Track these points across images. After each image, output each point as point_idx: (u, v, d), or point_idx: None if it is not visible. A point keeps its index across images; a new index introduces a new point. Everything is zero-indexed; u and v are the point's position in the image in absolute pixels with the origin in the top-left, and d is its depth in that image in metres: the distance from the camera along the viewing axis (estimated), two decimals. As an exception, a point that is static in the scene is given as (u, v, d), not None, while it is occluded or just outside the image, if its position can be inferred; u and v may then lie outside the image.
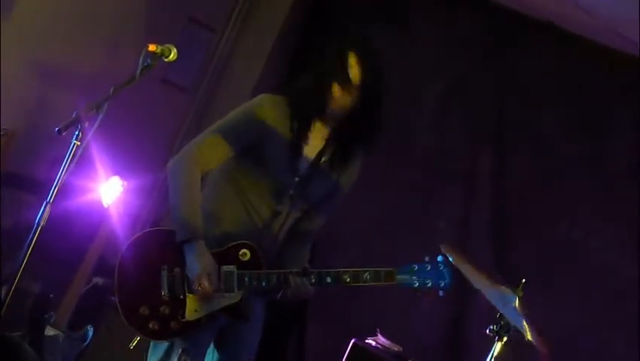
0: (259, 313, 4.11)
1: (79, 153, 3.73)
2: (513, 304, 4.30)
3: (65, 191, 3.82)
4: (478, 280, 4.43)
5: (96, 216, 5.05)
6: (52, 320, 5.61)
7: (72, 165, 3.74)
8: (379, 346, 5.97)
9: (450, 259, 4.37)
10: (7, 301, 3.69)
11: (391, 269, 3.78)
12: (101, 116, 3.77)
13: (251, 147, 3.99)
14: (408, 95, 6.89)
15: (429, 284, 3.56)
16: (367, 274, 3.80)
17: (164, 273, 3.89)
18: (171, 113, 7.11)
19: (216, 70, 7.19)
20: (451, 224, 6.68)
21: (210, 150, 4.01)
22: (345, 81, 3.94)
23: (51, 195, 3.71)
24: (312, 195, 4.06)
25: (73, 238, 5.07)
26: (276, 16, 7.04)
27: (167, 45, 3.93)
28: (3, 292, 3.81)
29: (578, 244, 6.22)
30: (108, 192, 5.00)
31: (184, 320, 3.89)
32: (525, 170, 6.55)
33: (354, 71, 3.96)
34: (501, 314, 4.31)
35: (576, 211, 6.32)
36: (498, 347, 4.28)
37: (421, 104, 6.91)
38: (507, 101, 6.69)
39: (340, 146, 4.06)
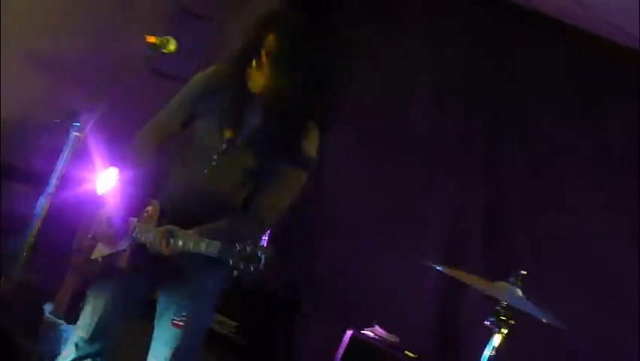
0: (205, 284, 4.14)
1: (79, 144, 3.74)
2: (517, 295, 4.36)
3: (61, 182, 3.84)
4: (479, 284, 4.49)
5: (93, 207, 5.04)
6: (50, 310, 5.62)
7: (71, 157, 3.76)
8: (376, 337, 5.98)
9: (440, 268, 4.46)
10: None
11: (218, 243, 3.70)
12: (101, 106, 3.78)
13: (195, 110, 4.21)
14: (399, 85, 6.91)
15: (243, 265, 3.55)
16: (202, 242, 3.75)
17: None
18: (164, 104, 7.08)
19: (209, 59, 7.18)
20: (444, 214, 6.69)
21: (165, 117, 4.27)
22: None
23: (51, 186, 3.71)
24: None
25: (69, 228, 5.05)
26: (269, 5, 7.01)
27: (166, 37, 3.95)
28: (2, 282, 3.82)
29: (573, 232, 6.23)
30: (105, 182, 5.00)
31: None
32: (518, 159, 6.55)
33: (269, 46, 4.01)
34: (500, 306, 4.36)
35: (571, 200, 6.33)
36: (497, 338, 4.33)
37: (413, 94, 6.91)
38: (499, 91, 6.70)
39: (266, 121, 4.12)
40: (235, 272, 3.52)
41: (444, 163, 6.76)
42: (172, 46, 3.97)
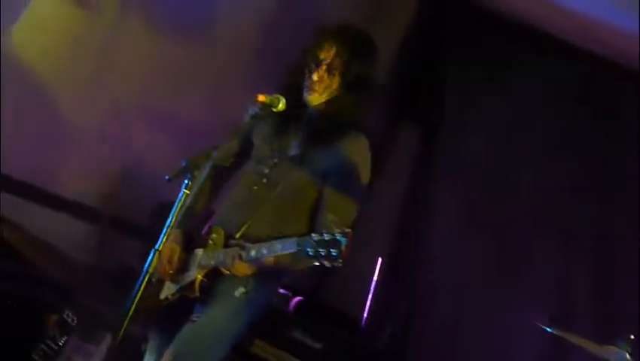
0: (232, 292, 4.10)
1: (188, 201, 3.77)
2: (625, 359, 4.31)
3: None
4: (589, 347, 4.44)
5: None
6: None
7: (181, 213, 3.79)
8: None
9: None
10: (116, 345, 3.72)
11: (295, 239, 3.70)
12: (209, 164, 3.82)
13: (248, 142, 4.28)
14: (508, 145, 6.86)
15: (323, 252, 3.48)
16: (277, 243, 3.78)
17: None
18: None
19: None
20: (553, 275, 6.58)
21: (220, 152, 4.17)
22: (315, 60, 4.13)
23: (160, 243, 3.74)
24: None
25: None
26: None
27: (276, 95, 3.98)
28: (109, 338, 3.85)
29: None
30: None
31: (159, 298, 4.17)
32: (628, 220, 6.43)
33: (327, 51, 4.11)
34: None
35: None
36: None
37: (522, 154, 6.85)
38: (608, 151, 6.60)
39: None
40: (317, 261, 3.53)
41: (553, 223, 6.67)
42: (281, 104, 4.00)
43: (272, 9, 7.01)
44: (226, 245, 4.04)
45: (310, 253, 3.56)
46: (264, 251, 3.82)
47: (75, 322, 5.49)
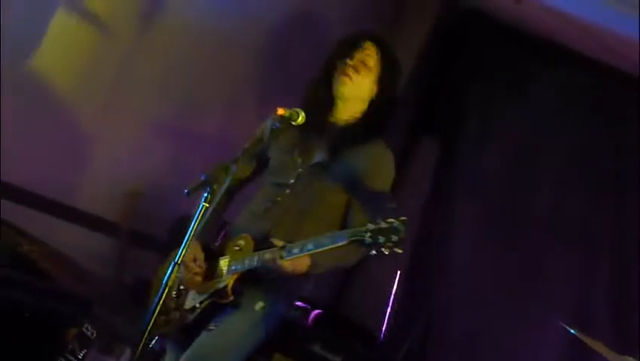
0: (251, 306, 4.10)
1: (207, 214, 3.78)
2: None
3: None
4: (608, 355, 4.43)
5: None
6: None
7: (200, 227, 3.80)
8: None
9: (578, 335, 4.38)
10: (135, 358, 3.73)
11: (347, 230, 3.71)
12: (229, 178, 3.83)
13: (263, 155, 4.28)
14: (528, 160, 6.85)
15: (381, 240, 3.47)
16: (324, 238, 3.76)
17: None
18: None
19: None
20: (571, 288, 6.56)
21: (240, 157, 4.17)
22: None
23: (180, 256, 3.75)
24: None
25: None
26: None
27: (295, 109, 3.99)
28: (129, 351, 3.86)
29: None
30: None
31: (183, 308, 4.16)
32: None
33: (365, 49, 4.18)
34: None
35: None
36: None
37: (541, 170, 6.84)
38: (627, 165, 6.59)
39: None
40: (375, 249, 3.52)
41: (570, 235, 6.65)
42: (301, 118, 4.00)
43: (290, 22, 7.02)
44: (257, 249, 4.04)
45: (367, 242, 3.55)
46: (310, 246, 3.81)
47: (94, 335, 5.49)
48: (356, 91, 4.19)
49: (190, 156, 6.57)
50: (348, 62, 4.16)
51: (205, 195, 3.74)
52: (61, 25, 6.25)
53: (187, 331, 4.17)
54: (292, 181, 4.16)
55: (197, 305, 4.16)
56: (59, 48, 6.31)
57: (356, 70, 4.16)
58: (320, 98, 4.23)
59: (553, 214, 6.71)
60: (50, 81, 6.30)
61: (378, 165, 4.17)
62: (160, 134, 6.69)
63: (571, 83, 6.86)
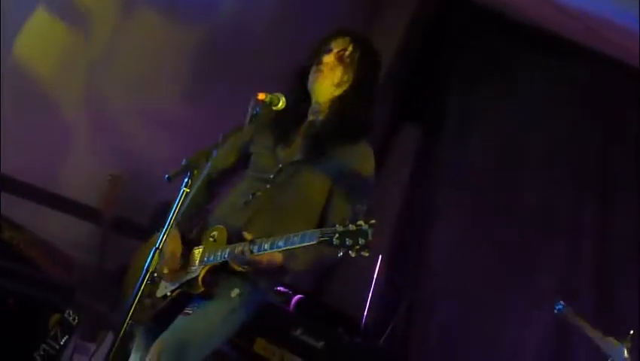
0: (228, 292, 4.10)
1: (187, 200, 3.78)
2: (623, 355, 4.35)
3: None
4: (592, 333, 4.46)
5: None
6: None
7: (181, 212, 3.80)
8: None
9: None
10: (116, 344, 3.73)
11: (316, 230, 3.68)
12: (209, 164, 3.83)
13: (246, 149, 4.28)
14: (511, 150, 6.86)
15: (349, 242, 3.49)
16: (294, 236, 3.75)
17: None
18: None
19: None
20: (554, 278, 6.59)
21: (215, 159, 4.17)
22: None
23: (160, 241, 3.75)
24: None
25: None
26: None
27: (276, 93, 3.99)
28: (110, 336, 3.86)
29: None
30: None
31: (155, 295, 4.15)
32: (628, 224, 6.43)
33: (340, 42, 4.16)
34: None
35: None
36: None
37: (524, 159, 6.85)
38: (611, 155, 6.61)
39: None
40: (342, 251, 3.52)
41: (554, 226, 6.67)
42: (281, 103, 4.00)
43: (272, 10, 7.02)
44: (229, 242, 4.05)
45: (335, 244, 3.56)
46: (280, 243, 3.81)
47: (76, 321, 5.50)
48: (331, 85, 4.16)
49: (171, 142, 6.56)
50: (324, 59, 4.15)
51: (186, 180, 3.75)
52: (40, 15, 6.24)
53: (158, 318, 4.18)
54: (272, 176, 4.16)
55: (168, 293, 4.16)
56: (38, 37, 6.30)
57: (331, 67, 4.14)
58: (298, 97, 4.22)
59: (537, 204, 6.73)
60: (29, 70, 6.30)
61: (362, 163, 4.15)
62: (141, 121, 6.69)
63: (558, 72, 6.87)
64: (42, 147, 6.30)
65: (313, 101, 4.21)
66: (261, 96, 3.96)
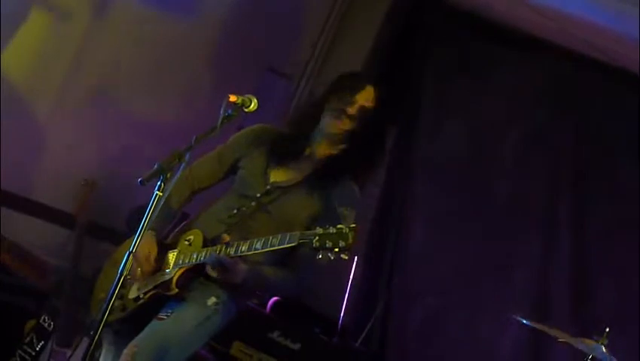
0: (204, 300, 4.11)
1: (161, 203, 3.77)
2: (600, 354, 4.37)
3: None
4: (567, 340, 4.49)
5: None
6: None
7: (154, 216, 3.79)
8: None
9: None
10: (92, 349, 3.71)
11: (296, 232, 3.72)
12: (182, 166, 3.82)
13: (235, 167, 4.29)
14: (486, 141, 6.88)
15: (329, 244, 3.50)
16: (274, 238, 3.78)
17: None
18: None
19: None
20: (531, 271, 6.61)
21: (199, 169, 4.30)
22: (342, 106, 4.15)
23: (134, 246, 3.74)
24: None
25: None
26: (353, 67, 7.05)
27: (248, 95, 3.99)
28: (86, 342, 3.84)
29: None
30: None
31: (127, 297, 4.14)
32: (604, 217, 6.46)
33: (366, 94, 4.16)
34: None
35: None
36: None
37: (499, 153, 6.87)
38: (584, 149, 6.64)
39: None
40: (322, 253, 3.53)
41: (530, 220, 6.69)
42: (253, 105, 4.00)
43: (244, 10, 7.01)
44: (205, 247, 4.05)
45: (315, 246, 3.56)
46: (258, 245, 3.82)
47: (52, 327, 5.48)
48: (344, 129, 4.17)
49: (147, 145, 6.54)
50: (348, 109, 4.15)
51: (159, 183, 3.74)
52: (14, 13, 6.20)
53: (128, 321, 4.16)
54: (259, 195, 4.17)
55: (141, 296, 4.15)
56: (13, 40, 6.26)
57: (351, 118, 4.14)
58: (304, 128, 4.24)
59: (512, 197, 6.75)
60: (3, 70, 6.25)
61: (351, 203, 4.16)
62: (117, 123, 6.67)
63: (532, 68, 6.89)
64: (14, 150, 6.25)
65: (319, 136, 4.21)
66: (233, 98, 3.96)
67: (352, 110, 4.14)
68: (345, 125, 4.14)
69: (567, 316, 6.38)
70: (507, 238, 6.71)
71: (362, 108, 4.16)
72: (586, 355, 4.54)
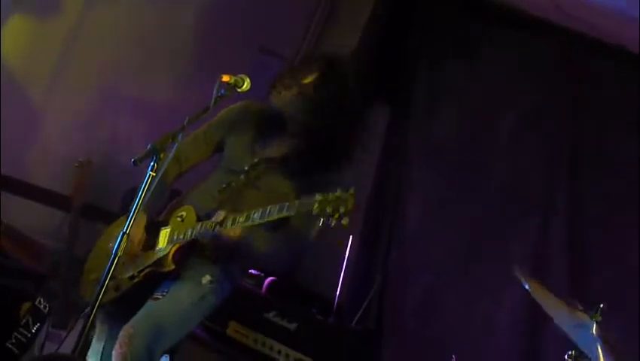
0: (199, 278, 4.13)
1: (154, 183, 3.78)
2: (590, 331, 4.35)
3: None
4: (553, 307, 4.44)
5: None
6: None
7: (147, 196, 3.79)
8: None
9: (526, 286, 4.38)
10: (87, 330, 3.73)
11: (295, 201, 3.76)
12: (175, 146, 3.83)
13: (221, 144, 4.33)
14: (482, 123, 6.87)
15: (329, 210, 3.50)
16: (272, 207, 3.81)
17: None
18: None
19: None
20: (528, 254, 6.60)
21: (186, 147, 4.30)
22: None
23: (128, 226, 3.74)
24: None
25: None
26: (346, 47, 7.04)
27: (240, 75, 4.00)
28: (81, 323, 3.85)
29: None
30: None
31: (120, 276, 4.15)
32: (602, 198, 6.45)
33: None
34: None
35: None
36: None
37: (495, 134, 6.86)
38: (581, 129, 6.63)
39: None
40: (322, 218, 3.55)
41: (526, 200, 6.68)
42: (246, 85, 4.00)
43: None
44: (190, 223, 4.08)
45: (315, 212, 3.56)
46: (256, 215, 3.83)
47: (48, 309, 5.48)
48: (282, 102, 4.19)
49: (140, 128, 6.54)
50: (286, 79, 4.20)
51: (152, 164, 3.75)
52: (7, 3, 6.20)
53: (122, 301, 4.16)
54: (246, 168, 4.18)
55: (136, 274, 4.15)
56: (6, 25, 6.25)
57: (285, 87, 4.17)
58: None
59: (508, 178, 6.73)
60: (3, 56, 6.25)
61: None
62: (110, 106, 6.66)
63: (527, 48, 6.85)
64: (9, 133, 6.25)
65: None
66: (225, 78, 3.98)
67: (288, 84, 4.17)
68: (281, 95, 4.16)
69: (564, 297, 6.37)
70: (504, 218, 6.69)
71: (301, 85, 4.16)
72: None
